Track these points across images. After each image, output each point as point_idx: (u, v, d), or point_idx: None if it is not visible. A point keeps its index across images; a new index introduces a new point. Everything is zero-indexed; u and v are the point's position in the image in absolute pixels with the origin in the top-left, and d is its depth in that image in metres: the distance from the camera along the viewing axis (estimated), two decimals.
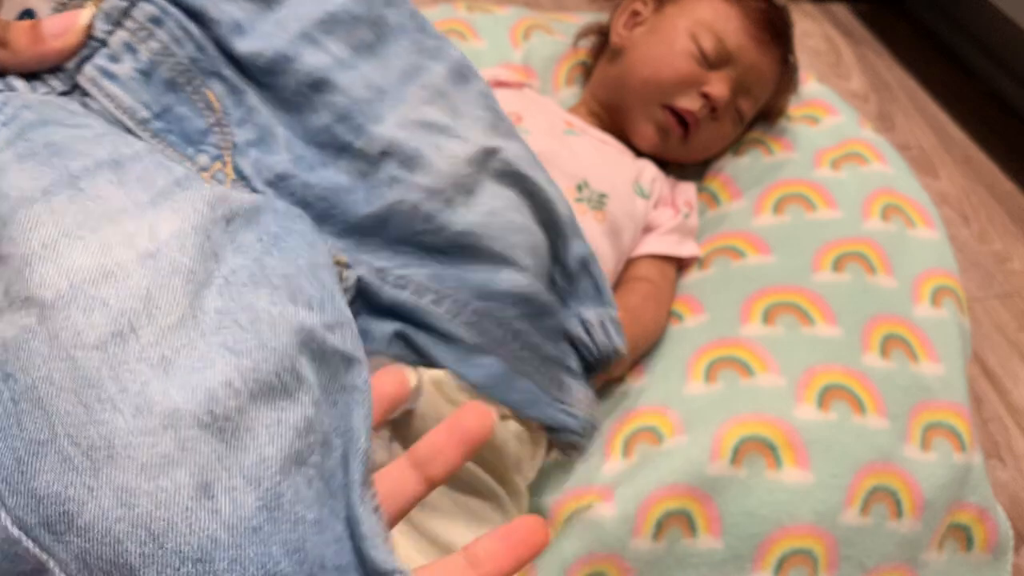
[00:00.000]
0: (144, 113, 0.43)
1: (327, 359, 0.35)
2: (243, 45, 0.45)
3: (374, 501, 0.33)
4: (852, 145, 0.84)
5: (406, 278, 0.46)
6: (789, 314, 0.70)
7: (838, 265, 0.73)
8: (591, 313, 0.52)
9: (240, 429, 0.31)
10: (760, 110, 0.86)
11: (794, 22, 0.86)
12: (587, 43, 0.94)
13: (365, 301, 0.46)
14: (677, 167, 0.86)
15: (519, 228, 0.49)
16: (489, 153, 0.48)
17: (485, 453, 0.62)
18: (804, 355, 0.66)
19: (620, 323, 0.52)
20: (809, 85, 0.92)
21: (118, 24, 0.43)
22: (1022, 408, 0.90)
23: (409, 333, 0.47)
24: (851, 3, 1.46)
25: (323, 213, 0.45)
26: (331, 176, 0.45)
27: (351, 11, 0.47)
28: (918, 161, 1.17)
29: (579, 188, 0.75)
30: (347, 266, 0.45)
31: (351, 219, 0.45)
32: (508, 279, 0.48)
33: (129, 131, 0.43)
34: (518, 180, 0.49)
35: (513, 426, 0.65)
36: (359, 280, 0.45)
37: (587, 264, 0.51)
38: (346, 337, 0.36)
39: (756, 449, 0.60)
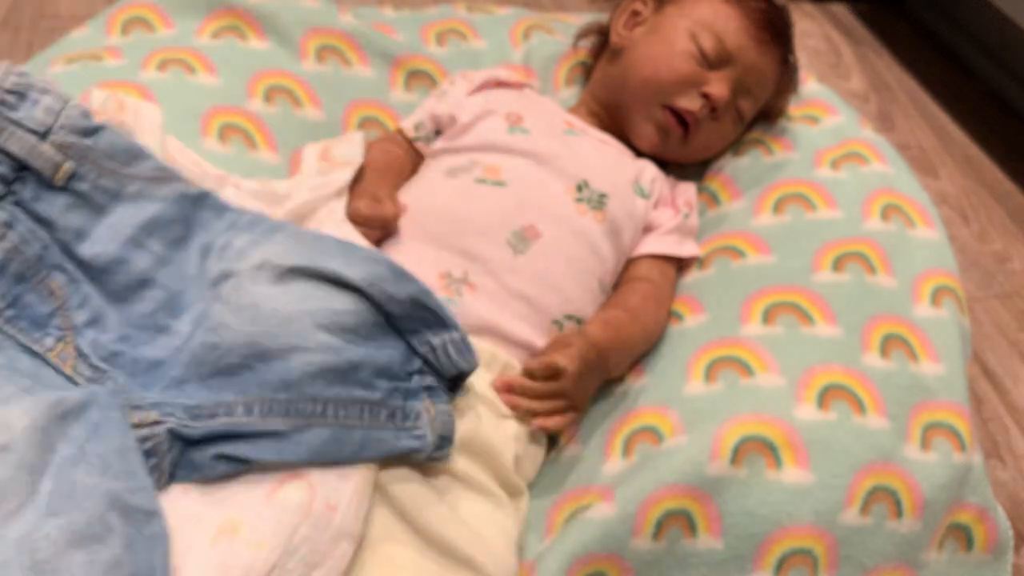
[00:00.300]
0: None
1: (131, 513, 0.48)
2: (84, 249, 0.57)
3: None
4: (852, 145, 0.84)
5: (218, 404, 0.54)
6: (789, 314, 0.70)
7: (838, 265, 0.73)
8: (436, 339, 0.57)
9: (59, 570, 0.44)
10: (760, 110, 0.86)
11: (794, 22, 0.86)
12: (587, 43, 0.94)
13: (184, 442, 0.54)
14: (677, 167, 0.86)
15: (311, 310, 0.55)
16: (261, 266, 0.57)
17: (485, 453, 0.62)
18: (804, 355, 0.66)
19: (466, 342, 0.58)
20: (809, 85, 0.92)
21: None
22: (1022, 408, 0.90)
23: (226, 451, 0.53)
24: (851, 3, 1.46)
25: (148, 380, 0.56)
26: (153, 352, 0.57)
27: (167, 215, 0.60)
28: (918, 161, 1.17)
29: (579, 188, 0.75)
30: (157, 422, 0.53)
31: (168, 381, 0.56)
32: (299, 363, 0.54)
33: None
34: (297, 274, 0.57)
35: (512, 427, 0.65)
36: (169, 431, 0.53)
37: (419, 300, 0.57)
38: (145, 498, 0.49)
39: (756, 449, 0.60)
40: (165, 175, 0.61)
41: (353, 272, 0.56)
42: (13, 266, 0.57)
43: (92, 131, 0.59)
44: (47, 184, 0.58)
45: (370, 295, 0.56)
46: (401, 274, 0.57)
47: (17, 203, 0.57)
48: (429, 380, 0.58)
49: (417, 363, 0.57)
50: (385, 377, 0.56)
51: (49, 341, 0.56)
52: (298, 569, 0.51)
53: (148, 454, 0.52)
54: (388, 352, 0.56)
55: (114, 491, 0.48)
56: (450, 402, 0.59)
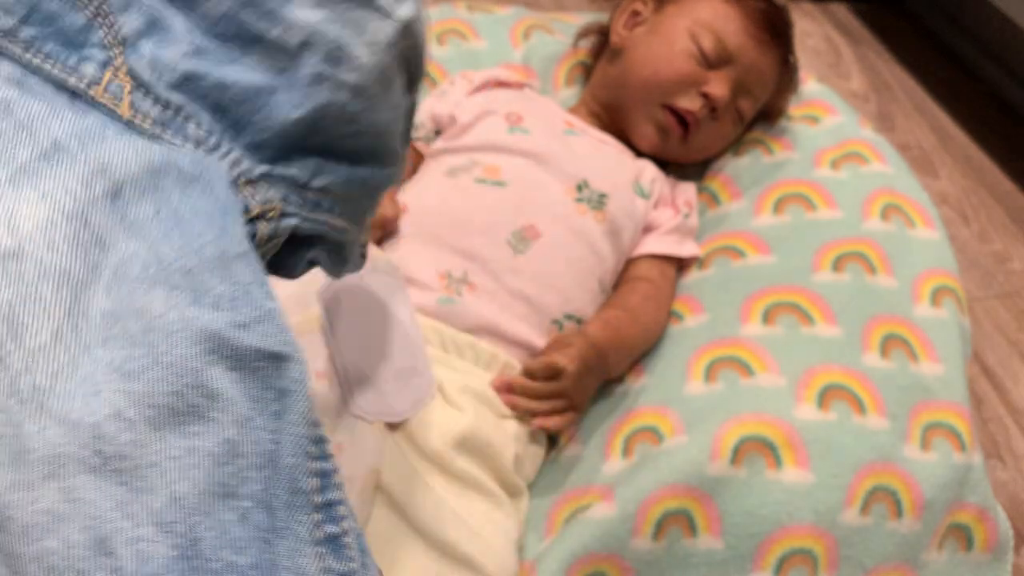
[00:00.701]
0: (6, 20, 0.34)
1: (248, 364, 0.29)
2: None
3: (337, 522, 0.28)
4: (852, 145, 0.84)
5: (326, 189, 0.39)
6: (789, 314, 0.70)
7: (838, 265, 0.73)
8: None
9: (142, 467, 0.26)
10: (760, 110, 0.86)
11: (794, 22, 0.86)
12: (587, 43, 0.94)
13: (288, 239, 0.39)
14: (677, 167, 0.86)
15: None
16: (403, 31, 0.40)
17: (485, 453, 0.62)
18: (804, 355, 0.66)
19: None
20: (809, 85, 0.92)
21: None
22: (1022, 408, 0.90)
23: (317, 257, 0.41)
24: (851, 3, 1.46)
25: (241, 120, 0.37)
26: (246, 74, 0.36)
27: None
28: (918, 161, 1.17)
29: (579, 188, 0.75)
30: (280, 215, 0.37)
31: (275, 125, 0.37)
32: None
33: None
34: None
35: (512, 426, 0.65)
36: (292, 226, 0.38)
37: None
38: (268, 332, 0.30)
39: (756, 449, 0.60)
40: None
41: None
42: None
43: None
44: None
45: None
46: None
47: None
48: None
49: None
50: None
51: (90, 69, 0.35)
52: None
53: None
54: None
55: (213, 330, 0.29)
56: None
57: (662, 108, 0.80)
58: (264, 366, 0.29)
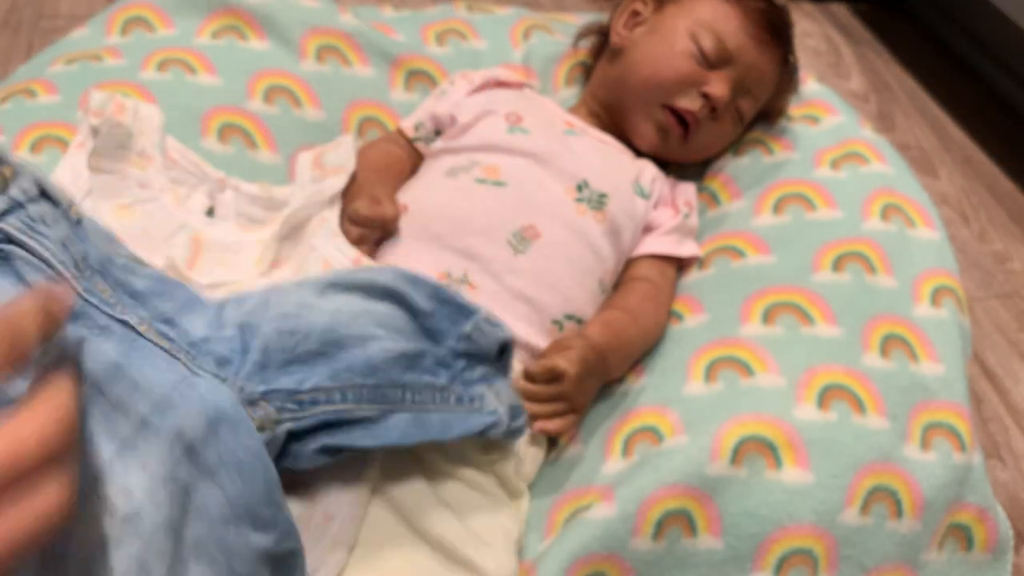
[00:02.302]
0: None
1: (278, 563, 0.45)
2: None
3: None
4: (852, 145, 0.84)
5: (317, 387, 0.51)
6: (789, 314, 0.70)
7: (838, 265, 0.73)
8: (467, 326, 0.57)
9: None
10: (760, 110, 0.86)
11: (794, 22, 0.86)
12: (587, 43, 0.94)
13: (291, 437, 0.51)
14: (677, 167, 0.86)
15: (361, 312, 0.55)
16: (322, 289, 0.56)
17: (485, 454, 0.62)
18: (804, 355, 0.66)
19: (492, 316, 0.58)
20: (809, 85, 0.92)
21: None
22: (1022, 408, 0.90)
23: (328, 442, 0.51)
24: (851, 3, 1.46)
25: (226, 357, 0.51)
26: (218, 347, 0.51)
27: None
28: (918, 161, 1.17)
29: (579, 188, 0.75)
30: (278, 422, 0.50)
31: (251, 366, 0.51)
32: (377, 349, 0.53)
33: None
34: (336, 288, 0.56)
35: None
36: (287, 431, 0.50)
37: (439, 294, 0.57)
38: (289, 541, 0.46)
39: (756, 449, 0.60)
40: None
41: (383, 277, 0.57)
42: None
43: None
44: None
45: (402, 295, 0.56)
46: (414, 275, 0.58)
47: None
48: (480, 370, 0.58)
49: (461, 362, 0.57)
50: (444, 367, 0.56)
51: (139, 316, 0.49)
52: None
53: None
54: (437, 348, 0.57)
55: (263, 548, 0.44)
56: (506, 378, 0.59)
57: (662, 108, 0.80)
58: (287, 561, 0.45)
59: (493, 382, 0.58)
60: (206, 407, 0.45)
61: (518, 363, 0.68)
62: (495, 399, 0.57)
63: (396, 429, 0.53)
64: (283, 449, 0.51)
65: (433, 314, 0.57)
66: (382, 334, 0.54)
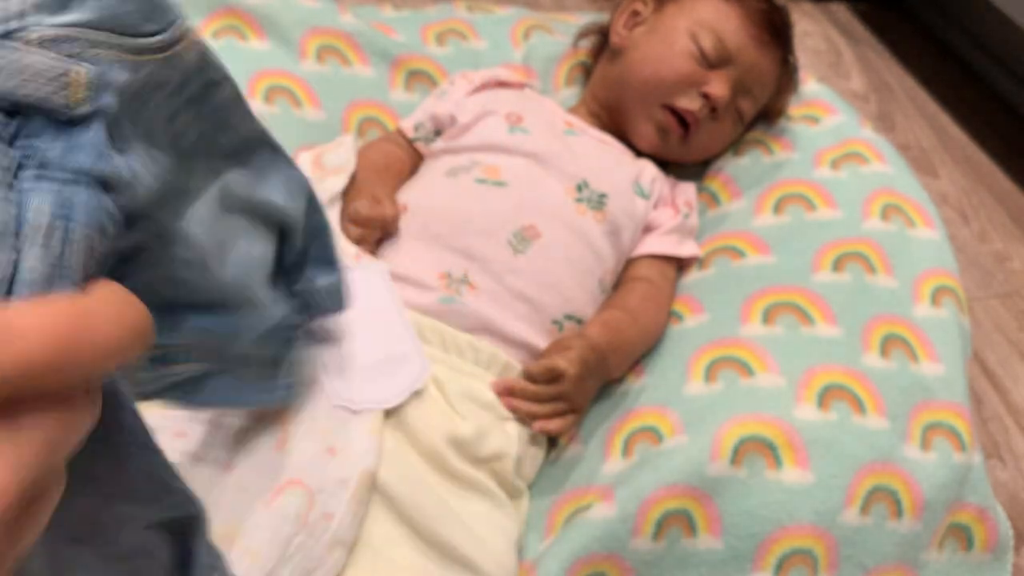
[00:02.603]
0: None
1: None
2: None
3: None
4: (852, 145, 0.84)
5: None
6: (789, 314, 0.70)
7: (838, 265, 0.73)
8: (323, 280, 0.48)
9: None
10: (760, 110, 0.86)
11: (794, 22, 0.86)
12: (587, 43, 0.94)
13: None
14: (677, 167, 0.86)
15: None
16: None
17: (485, 455, 0.62)
18: (804, 355, 0.66)
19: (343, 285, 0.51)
20: (809, 85, 0.92)
21: None
22: (1022, 408, 0.90)
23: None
24: (851, 3, 1.46)
25: None
26: None
27: None
28: (918, 161, 1.17)
29: (579, 188, 0.75)
30: None
31: None
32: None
33: None
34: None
35: (513, 428, 0.65)
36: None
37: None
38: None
39: (756, 449, 0.60)
40: None
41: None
42: None
43: None
44: None
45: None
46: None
47: None
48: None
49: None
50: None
51: None
52: None
53: None
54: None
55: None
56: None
57: (662, 108, 0.80)
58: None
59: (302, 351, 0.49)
60: None
61: (517, 362, 0.68)
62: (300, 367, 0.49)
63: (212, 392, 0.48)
64: None
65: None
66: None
